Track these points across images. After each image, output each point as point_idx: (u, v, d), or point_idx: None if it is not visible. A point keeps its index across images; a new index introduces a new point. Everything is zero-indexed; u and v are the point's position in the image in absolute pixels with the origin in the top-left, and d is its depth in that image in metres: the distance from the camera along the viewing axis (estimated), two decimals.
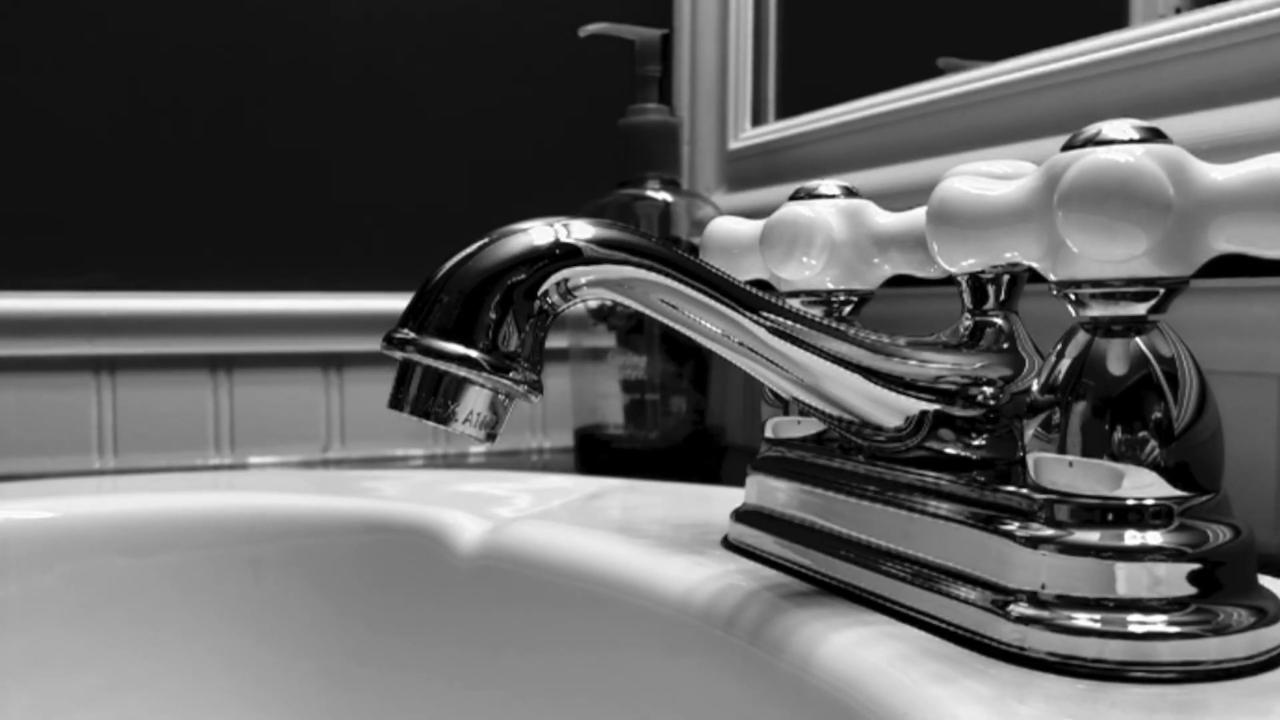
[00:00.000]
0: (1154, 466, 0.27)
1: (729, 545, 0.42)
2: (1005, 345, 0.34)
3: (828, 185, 0.39)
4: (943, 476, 0.33)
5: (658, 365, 0.70)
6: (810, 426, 0.39)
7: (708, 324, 0.31)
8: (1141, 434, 0.27)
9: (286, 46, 0.79)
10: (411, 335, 0.29)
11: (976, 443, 0.33)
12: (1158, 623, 0.27)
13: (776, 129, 0.78)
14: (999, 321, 0.35)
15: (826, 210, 0.38)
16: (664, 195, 0.72)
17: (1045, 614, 0.28)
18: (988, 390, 0.33)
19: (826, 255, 0.38)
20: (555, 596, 0.43)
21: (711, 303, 0.31)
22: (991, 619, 0.29)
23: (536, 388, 0.30)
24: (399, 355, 0.29)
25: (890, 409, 0.33)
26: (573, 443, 0.75)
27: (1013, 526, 0.29)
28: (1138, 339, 0.28)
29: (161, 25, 0.76)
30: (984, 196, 0.30)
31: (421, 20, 0.82)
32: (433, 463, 0.79)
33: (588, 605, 0.41)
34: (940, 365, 0.33)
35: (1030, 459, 0.29)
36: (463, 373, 0.29)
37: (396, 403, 0.30)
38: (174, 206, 0.76)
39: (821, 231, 0.38)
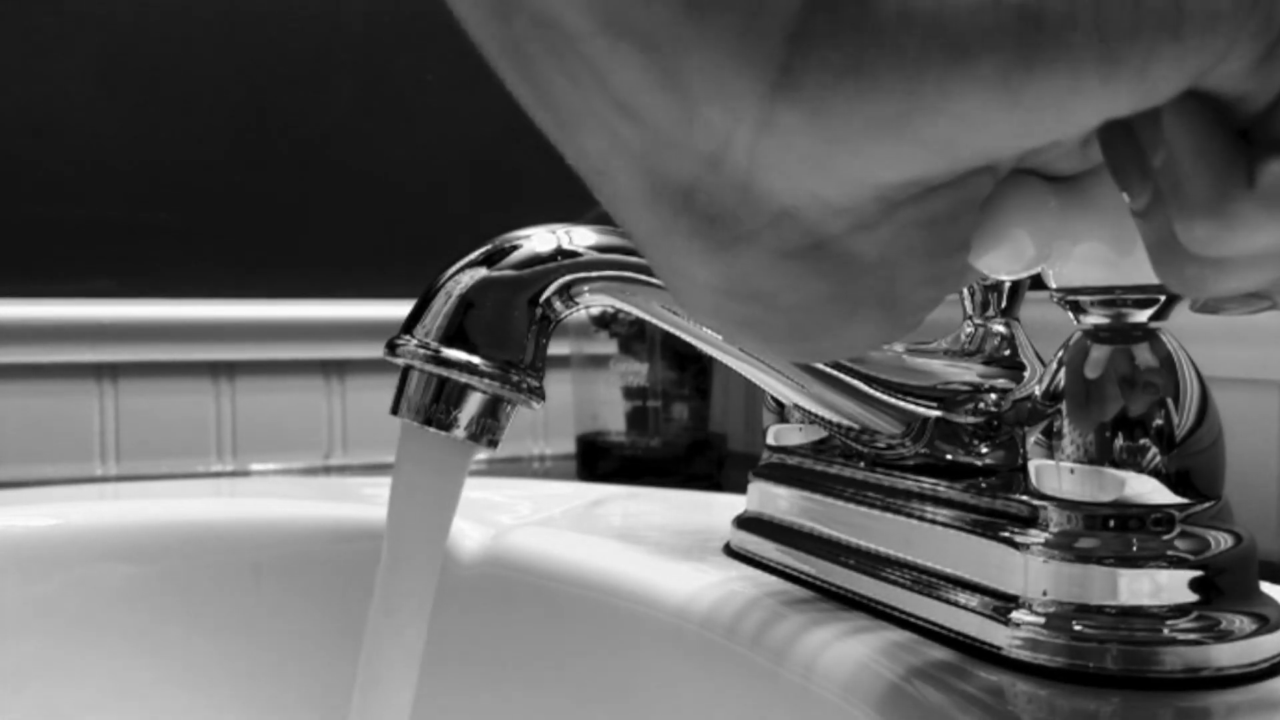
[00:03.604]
0: (1155, 474, 0.27)
1: (730, 552, 0.42)
2: (1006, 352, 0.34)
3: None
4: (944, 483, 0.33)
5: (659, 372, 0.70)
6: (811, 433, 0.39)
7: (709, 330, 0.31)
8: (1143, 441, 0.27)
9: (289, 53, 0.79)
10: (414, 342, 0.29)
11: (978, 450, 0.33)
12: (1159, 629, 0.27)
13: None
14: (1000, 328, 0.35)
15: None
16: None
17: (1046, 621, 0.28)
18: (989, 397, 0.33)
19: None
20: (556, 604, 0.43)
21: None
22: (993, 626, 0.29)
23: (538, 394, 0.30)
24: (401, 362, 0.30)
25: (891, 416, 0.33)
26: (574, 449, 0.75)
27: (1014, 533, 0.29)
28: (1139, 346, 0.28)
29: (164, 32, 0.76)
30: None
31: (424, 26, 0.83)
32: None
33: (589, 612, 0.41)
34: (942, 372, 0.33)
35: (1031, 466, 0.29)
36: (465, 379, 0.29)
37: (399, 409, 0.30)
38: (175, 213, 0.77)
39: None
